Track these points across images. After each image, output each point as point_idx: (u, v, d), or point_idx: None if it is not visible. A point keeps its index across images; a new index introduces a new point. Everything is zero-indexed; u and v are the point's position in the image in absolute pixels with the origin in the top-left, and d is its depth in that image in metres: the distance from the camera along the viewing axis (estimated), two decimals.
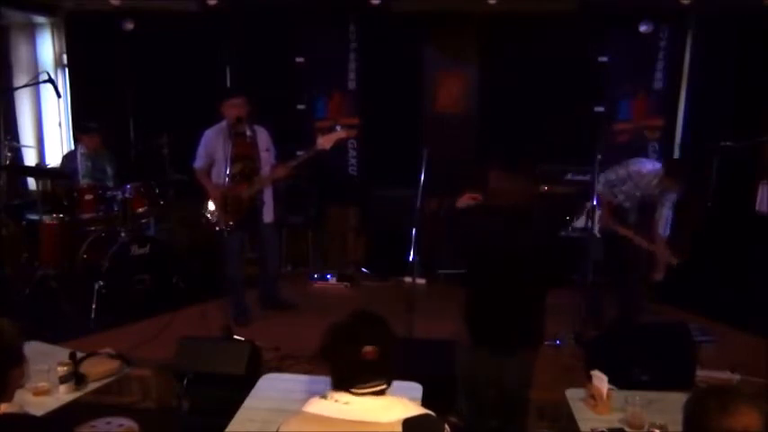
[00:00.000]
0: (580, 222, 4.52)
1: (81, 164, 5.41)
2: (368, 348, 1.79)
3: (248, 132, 4.57)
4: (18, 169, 5.99)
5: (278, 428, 1.81)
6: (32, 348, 2.15)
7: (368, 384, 1.79)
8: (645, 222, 4.54)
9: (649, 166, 4.46)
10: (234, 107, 4.51)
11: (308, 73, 6.38)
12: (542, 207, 3.81)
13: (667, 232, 4.49)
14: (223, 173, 4.46)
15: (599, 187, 4.44)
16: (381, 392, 1.80)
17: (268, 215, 4.80)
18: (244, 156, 4.55)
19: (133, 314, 4.79)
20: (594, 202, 4.36)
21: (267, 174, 4.69)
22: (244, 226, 4.65)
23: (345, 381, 1.81)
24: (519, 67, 5.92)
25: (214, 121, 4.69)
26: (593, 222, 4.37)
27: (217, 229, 4.56)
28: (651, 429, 2.46)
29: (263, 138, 4.71)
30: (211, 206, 4.65)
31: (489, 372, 3.09)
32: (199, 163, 4.70)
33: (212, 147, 4.62)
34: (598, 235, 4.42)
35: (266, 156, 4.71)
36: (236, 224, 4.57)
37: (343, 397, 1.79)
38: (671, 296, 5.25)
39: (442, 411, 1.87)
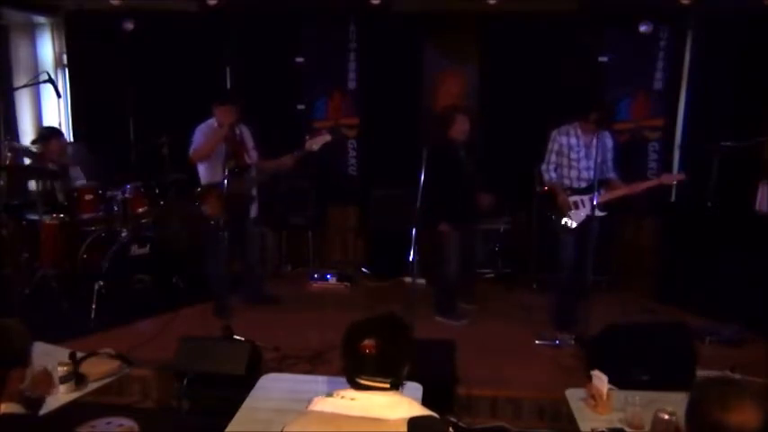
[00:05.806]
0: (578, 217, 4.52)
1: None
2: (366, 342, 1.81)
3: (237, 131, 4.82)
4: (18, 169, 5.97)
5: (282, 429, 1.81)
6: (33, 348, 2.14)
7: (373, 378, 1.81)
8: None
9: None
10: (228, 113, 4.74)
11: (308, 73, 6.38)
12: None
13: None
14: (219, 169, 4.61)
15: (546, 177, 4.62)
16: (385, 390, 1.81)
17: (254, 210, 5.07)
18: (234, 153, 4.76)
19: (133, 314, 4.79)
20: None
21: (259, 168, 4.96)
22: (235, 220, 4.81)
23: (350, 373, 1.84)
24: (519, 67, 5.93)
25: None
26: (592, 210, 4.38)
27: (212, 222, 4.67)
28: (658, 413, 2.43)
29: (247, 136, 4.96)
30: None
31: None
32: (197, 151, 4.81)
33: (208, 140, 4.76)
34: (600, 214, 4.42)
35: (253, 154, 4.95)
36: (231, 218, 4.70)
37: (349, 393, 1.80)
38: (671, 296, 5.25)
39: (442, 411, 1.87)
